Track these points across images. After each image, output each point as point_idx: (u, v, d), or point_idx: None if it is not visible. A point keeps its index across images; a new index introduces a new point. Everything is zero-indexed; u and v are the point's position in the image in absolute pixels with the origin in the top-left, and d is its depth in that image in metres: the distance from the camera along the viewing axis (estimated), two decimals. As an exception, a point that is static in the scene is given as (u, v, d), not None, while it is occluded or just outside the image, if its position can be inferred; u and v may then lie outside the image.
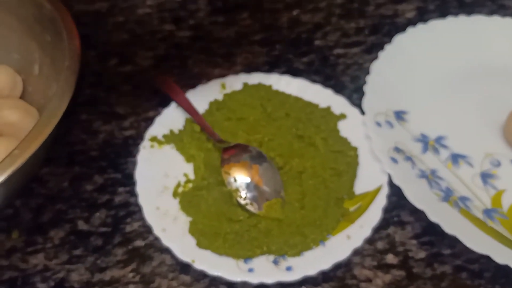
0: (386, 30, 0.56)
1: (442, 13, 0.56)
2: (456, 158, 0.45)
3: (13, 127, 0.41)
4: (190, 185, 0.43)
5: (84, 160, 0.46)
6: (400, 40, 0.50)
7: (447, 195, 0.42)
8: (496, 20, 0.52)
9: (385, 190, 0.42)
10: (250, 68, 0.52)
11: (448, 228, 0.38)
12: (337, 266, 0.39)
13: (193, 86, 0.49)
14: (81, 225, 0.42)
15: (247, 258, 0.39)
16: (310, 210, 0.41)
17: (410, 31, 0.51)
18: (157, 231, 0.40)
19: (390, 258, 0.40)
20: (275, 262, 0.39)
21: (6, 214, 0.43)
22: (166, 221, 0.41)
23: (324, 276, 0.39)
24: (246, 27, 0.56)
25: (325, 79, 0.51)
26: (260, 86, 0.49)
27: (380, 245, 0.41)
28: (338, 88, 0.49)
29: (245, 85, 0.49)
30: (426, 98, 0.49)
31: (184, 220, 0.41)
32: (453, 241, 0.39)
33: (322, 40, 0.55)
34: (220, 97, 0.49)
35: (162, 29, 0.56)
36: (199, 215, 0.41)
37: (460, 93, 0.49)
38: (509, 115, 0.45)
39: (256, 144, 0.45)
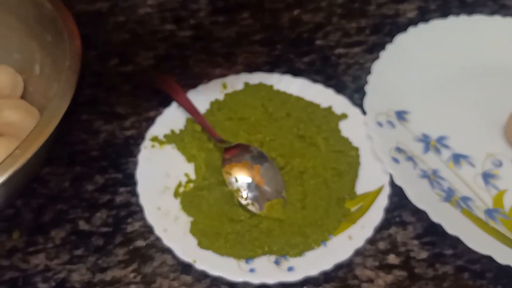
0: (387, 29, 0.56)
1: (444, 13, 0.56)
2: (457, 158, 0.45)
3: (14, 127, 0.41)
4: (191, 185, 0.43)
5: (85, 160, 0.46)
6: (402, 40, 0.50)
7: (449, 195, 0.42)
8: (497, 20, 0.52)
9: (386, 190, 0.42)
10: (251, 68, 0.52)
11: (450, 229, 0.38)
12: (339, 267, 0.39)
13: (194, 86, 0.49)
14: (82, 225, 0.42)
15: (248, 258, 0.39)
16: (312, 210, 0.41)
17: (412, 30, 0.51)
18: (158, 231, 0.40)
19: (392, 259, 0.40)
20: (277, 262, 0.39)
21: (7, 214, 0.43)
22: (167, 221, 0.41)
23: (326, 276, 0.39)
24: (247, 26, 0.56)
25: (326, 79, 0.51)
26: (261, 86, 0.49)
27: (381, 245, 0.41)
28: (340, 88, 0.49)
29: (246, 85, 0.49)
30: (428, 98, 0.48)
31: (185, 220, 0.41)
32: (455, 242, 0.39)
33: (323, 40, 0.55)
34: (221, 97, 0.49)
35: (163, 29, 0.56)
36: (200, 215, 0.41)
37: (462, 93, 0.49)
38: (511, 115, 0.45)
39: (257, 144, 0.45)
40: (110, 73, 0.52)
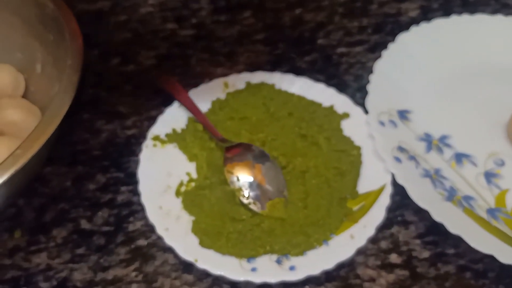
0: (389, 29, 0.56)
1: (446, 12, 0.56)
2: (460, 157, 0.45)
3: (16, 127, 0.41)
4: (192, 184, 0.43)
5: (87, 160, 0.46)
6: (404, 39, 0.50)
7: (451, 195, 0.42)
8: (499, 19, 0.52)
9: (388, 190, 0.42)
10: (252, 67, 0.52)
11: (452, 228, 0.38)
12: (341, 266, 0.39)
13: (195, 85, 0.49)
14: (84, 224, 0.42)
15: (250, 257, 0.39)
16: (313, 209, 0.41)
17: (414, 30, 0.51)
18: (159, 230, 0.40)
19: (394, 258, 0.40)
20: (278, 261, 0.39)
21: (9, 214, 0.43)
22: (169, 220, 0.41)
23: (328, 275, 0.39)
24: (249, 26, 0.56)
25: (328, 78, 0.51)
26: (263, 85, 0.49)
27: (383, 244, 0.41)
28: (341, 87, 0.49)
29: (248, 84, 0.49)
30: (430, 97, 0.48)
31: (187, 219, 0.41)
32: (457, 241, 0.39)
33: (325, 39, 0.55)
34: (223, 96, 0.49)
35: (164, 28, 0.56)
36: (202, 214, 0.41)
37: (464, 92, 0.49)
38: (513, 114, 0.45)
39: (259, 143, 0.45)
40: (111, 73, 0.52)
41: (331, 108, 0.47)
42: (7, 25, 0.45)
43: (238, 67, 0.52)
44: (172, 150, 0.45)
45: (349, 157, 0.44)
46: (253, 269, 0.38)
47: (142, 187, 0.42)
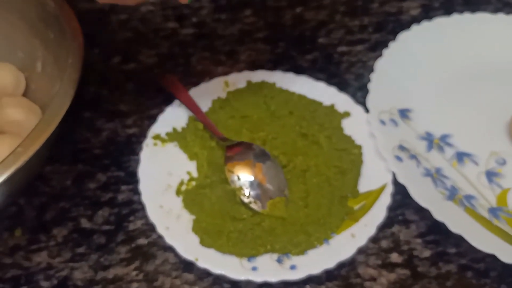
0: (390, 27, 0.55)
1: (447, 11, 0.55)
2: (461, 156, 0.45)
3: (16, 125, 0.41)
4: (193, 183, 0.43)
5: (88, 158, 0.46)
6: (405, 38, 0.50)
7: (452, 194, 0.42)
8: (501, 18, 0.52)
9: (389, 189, 0.42)
10: (253, 66, 0.52)
11: (453, 227, 0.38)
12: (341, 265, 0.39)
13: (196, 84, 0.49)
14: (84, 223, 0.42)
15: (250, 256, 0.39)
16: (314, 208, 0.41)
17: (415, 28, 0.51)
18: (160, 229, 0.40)
19: (395, 257, 0.40)
20: (279, 260, 0.39)
21: (10, 212, 0.43)
22: (170, 219, 0.41)
23: (328, 275, 0.39)
24: (250, 24, 0.56)
25: (329, 77, 0.51)
26: (263, 84, 0.49)
27: (384, 244, 0.41)
28: (342, 86, 0.49)
29: (249, 83, 0.49)
30: (431, 96, 0.48)
31: (188, 218, 0.41)
32: (458, 240, 0.39)
33: (326, 38, 0.55)
34: (223, 95, 0.49)
35: (165, 27, 0.56)
36: (202, 213, 0.41)
37: (465, 91, 0.49)
38: (515, 113, 0.45)
39: (259, 142, 0.45)
40: (112, 71, 0.52)
41: (332, 107, 0.47)
42: (8, 24, 0.45)
43: (239, 66, 0.52)
44: (173, 149, 0.45)
45: (350, 156, 0.44)
46: (254, 268, 0.38)
47: (143, 186, 0.42)
